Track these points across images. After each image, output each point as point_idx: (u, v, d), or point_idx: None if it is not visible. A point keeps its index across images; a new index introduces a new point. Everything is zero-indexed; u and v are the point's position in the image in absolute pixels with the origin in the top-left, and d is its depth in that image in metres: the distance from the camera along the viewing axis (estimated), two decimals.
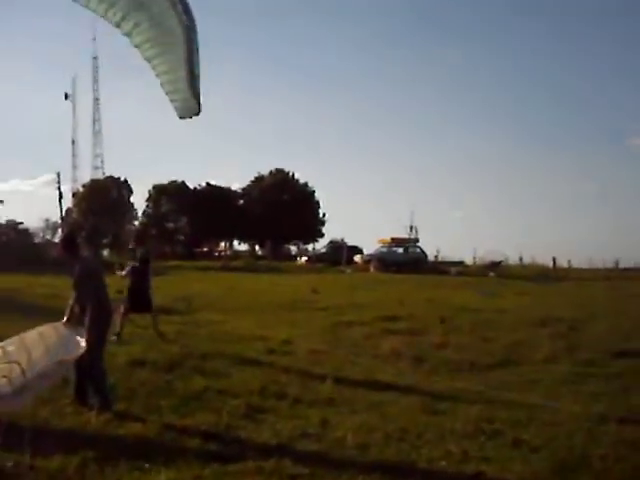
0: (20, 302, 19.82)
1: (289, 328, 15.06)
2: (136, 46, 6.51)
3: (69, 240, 8.65)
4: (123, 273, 14.01)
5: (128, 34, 6.50)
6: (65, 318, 8.12)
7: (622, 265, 53.82)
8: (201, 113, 6.61)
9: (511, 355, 12.89)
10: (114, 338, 12.35)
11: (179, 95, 6.45)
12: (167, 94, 6.59)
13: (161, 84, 6.58)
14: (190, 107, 6.42)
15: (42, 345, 7.48)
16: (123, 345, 12.13)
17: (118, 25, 6.47)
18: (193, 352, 11.66)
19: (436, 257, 53.05)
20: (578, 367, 11.85)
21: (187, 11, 6.29)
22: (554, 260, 47.79)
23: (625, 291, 28.69)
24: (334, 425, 7.49)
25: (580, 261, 53.89)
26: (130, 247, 16.11)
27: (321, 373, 10.58)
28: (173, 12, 6.24)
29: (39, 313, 16.94)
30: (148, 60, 6.57)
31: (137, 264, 14.03)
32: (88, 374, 7.90)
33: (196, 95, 6.37)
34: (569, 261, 52.86)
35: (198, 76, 6.34)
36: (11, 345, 7.49)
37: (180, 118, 6.58)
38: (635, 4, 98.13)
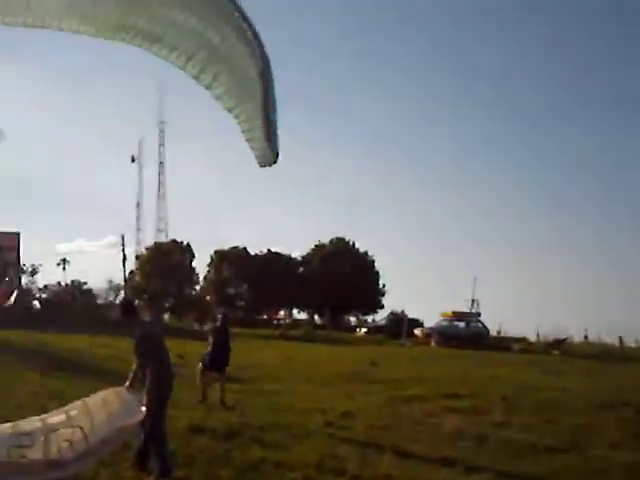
0: (82, 363, 20.20)
1: (347, 400, 14.94)
2: (216, 98, 6.62)
3: (127, 304, 8.91)
4: (205, 328, 14.80)
5: (208, 86, 6.62)
6: (128, 382, 8.22)
7: None
8: (278, 161, 6.60)
9: (576, 439, 12.47)
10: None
11: (257, 144, 6.48)
12: (247, 142, 6.64)
13: (242, 132, 6.64)
14: (267, 156, 6.47)
15: (105, 411, 7.60)
16: (184, 410, 12.20)
17: (197, 77, 6.60)
18: (252, 422, 11.67)
19: (498, 332, 52.20)
20: None
21: (264, 57, 6.35)
22: (621, 339, 46.52)
23: None
24: None
25: None
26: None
27: (380, 448, 10.44)
28: (252, 60, 6.32)
29: (99, 374, 17.29)
30: (229, 110, 6.65)
31: (218, 324, 14.57)
32: (149, 438, 7.95)
33: (272, 144, 6.40)
34: (637, 340, 51.45)
35: (274, 123, 6.37)
36: (74, 410, 7.64)
37: (260, 166, 6.62)
38: None
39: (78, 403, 7.79)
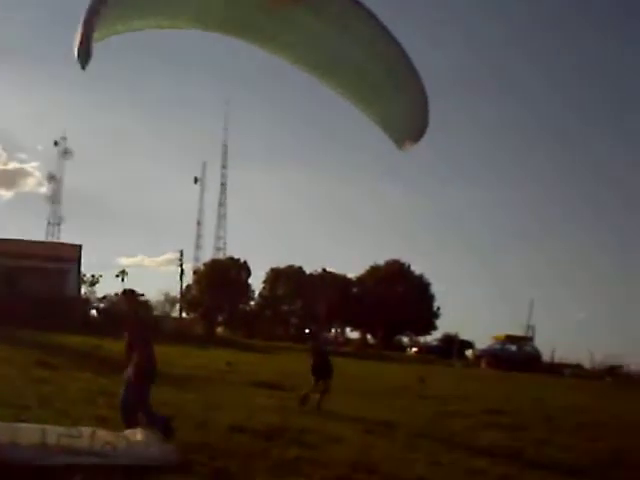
0: None
1: (390, 412, 15.08)
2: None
3: (130, 291, 10.05)
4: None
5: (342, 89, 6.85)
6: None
7: None
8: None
9: (616, 459, 12.38)
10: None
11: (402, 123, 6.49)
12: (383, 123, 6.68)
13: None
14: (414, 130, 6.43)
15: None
16: (227, 411, 12.59)
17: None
18: (292, 426, 11.94)
19: (552, 358, 51.56)
20: None
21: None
22: None
23: None
24: None
25: None
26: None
27: (415, 454, 10.62)
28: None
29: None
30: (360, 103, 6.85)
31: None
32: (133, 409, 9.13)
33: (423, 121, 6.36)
34: None
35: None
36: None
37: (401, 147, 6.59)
38: None
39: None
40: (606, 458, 12.18)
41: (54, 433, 7.86)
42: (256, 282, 78.80)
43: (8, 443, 7.39)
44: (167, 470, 7.56)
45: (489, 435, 13.30)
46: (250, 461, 8.78)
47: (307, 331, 16.77)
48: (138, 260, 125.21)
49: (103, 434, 8.17)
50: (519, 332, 52.65)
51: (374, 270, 76.44)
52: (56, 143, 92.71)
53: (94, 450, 7.75)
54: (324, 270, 75.53)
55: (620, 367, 46.91)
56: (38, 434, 7.73)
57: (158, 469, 7.57)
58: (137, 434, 8.36)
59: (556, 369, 43.42)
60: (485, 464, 10.43)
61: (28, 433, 7.77)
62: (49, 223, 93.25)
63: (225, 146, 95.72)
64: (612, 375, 41.86)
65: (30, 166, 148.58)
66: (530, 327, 54.62)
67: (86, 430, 8.22)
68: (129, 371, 9.21)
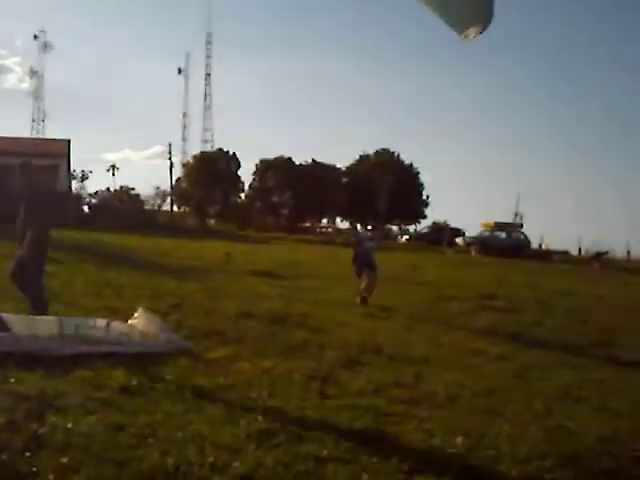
0: (132, 258, 21.15)
1: (388, 298, 15.51)
2: None
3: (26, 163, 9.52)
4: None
5: None
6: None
7: None
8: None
9: (607, 338, 12.87)
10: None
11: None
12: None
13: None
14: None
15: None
16: (233, 300, 12.97)
17: None
18: (294, 311, 12.33)
19: (540, 245, 52.38)
20: None
21: None
22: None
23: None
24: (427, 379, 7.96)
25: None
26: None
27: (417, 338, 11.05)
28: None
29: (148, 268, 18.21)
30: None
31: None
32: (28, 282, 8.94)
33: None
34: None
35: None
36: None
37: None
38: None
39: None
40: (595, 338, 12.66)
41: (71, 324, 8.14)
42: (245, 174, 78.75)
43: (28, 335, 7.66)
44: (180, 356, 7.85)
45: (485, 318, 13.74)
46: (260, 344, 9.15)
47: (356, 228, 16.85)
48: (124, 155, 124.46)
49: (117, 325, 8.47)
50: (507, 220, 53.30)
51: (363, 160, 76.30)
52: (35, 37, 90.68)
53: (111, 339, 8.05)
54: (313, 160, 75.32)
55: (606, 253, 47.82)
56: (56, 325, 8.00)
57: (172, 356, 7.86)
58: (150, 324, 8.63)
59: (545, 256, 44.19)
60: (484, 345, 10.86)
61: (46, 324, 8.03)
62: (33, 120, 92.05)
63: (209, 35, 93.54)
64: (599, 261, 42.68)
65: (10, 62, 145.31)
66: (519, 214, 55.21)
67: (101, 321, 8.51)
68: (24, 250, 8.87)
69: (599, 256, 45.62)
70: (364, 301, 14.63)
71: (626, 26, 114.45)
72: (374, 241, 16.18)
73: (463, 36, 5.51)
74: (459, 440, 5.60)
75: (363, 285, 14.96)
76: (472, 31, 5.51)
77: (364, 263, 15.23)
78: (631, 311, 16.71)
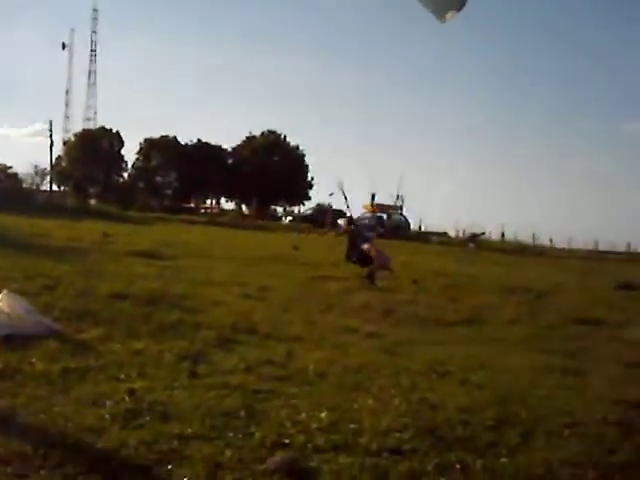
0: (8, 238, 20.40)
1: (267, 278, 15.61)
2: None
3: None
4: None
5: None
6: None
7: (601, 247, 55.33)
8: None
9: (476, 315, 13.44)
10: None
11: None
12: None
13: None
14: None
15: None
16: (107, 281, 12.73)
17: None
18: (171, 291, 12.26)
19: (419, 227, 53.76)
20: (538, 329, 12.43)
21: None
22: (534, 236, 48.83)
23: (597, 270, 29.50)
24: (298, 357, 8.09)
25: (562, 241, 55.39)
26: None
27: (292, 315, 11.21)
28: None
29: (25, 248, 17.63)
30: None
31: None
32: None
33: None
34: (551, 240, 54.20)
35: None
36: None
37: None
38: None
39: None
40: (464, 315, 13.19)
41: None
42: (129, 154, 77.02)
43: None
44: (49, 339, 7.71)
45: (361, 297, 14.05)
46: (133, 325, 9.05)
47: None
48: (3, 131, 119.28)
49: None
50: (389, 202, 54.31)
51: (249, 140, 76.08)
52: None
53: None
54: (199, 140, 74.52)
55: (482, 234, 49.60)
56: None
57: (41, 338, 7.70)
58: (16, 306, 8.39)
59: (423, 237, 45.40)
60: (357, 323, 11.13)
61: None
62: None
63: (95, 11, 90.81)
64: (474, 242, 44.20)
65: None
66: (400, 197, 56.32)
67: None
68: None
69: (474, 237, 47.26)
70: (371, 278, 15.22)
71: None
72: (374, 231, 16.22)
73: (442, 20, 5.60)
74: (323, 415, 5.75)
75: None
76: (450, 14, 5.61)
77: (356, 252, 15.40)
78: (499, 290, 17.43)
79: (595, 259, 44.09)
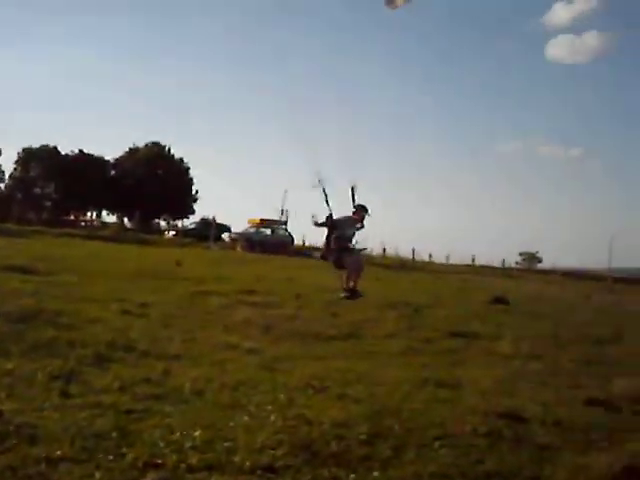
0: None
1: (148, 294, 15.37)
2: None
3: None
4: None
5: None
6: None
7: (478, 262, 57.64)
8: None
9: (355, 330, 13.73)
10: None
11: None
12: None
13: None
14: None
15: None
16: None
17: None
18: (47, 308, 11.88)
19: (303, 242, 54.14)
20: (414, 343, 12.80)
21: None
22: (413, 252, 50.19)
23: (472, 284, 30.59)
24: (175, 374, 8.05)
25: (441, 256, 57.46)
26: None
27: (172, 334, 11.08)
28: None
29: None
30: None
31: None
32: None
33: None
34: (430, 255, 55.97)
35: None
36: None
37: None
38: None
39: None
40: (344, 330, 13.43)
41: None
42: (6, 163, 74.23)
43: None
44: None
45: (242, 312, 14.04)
46: (3, 344, 8.73)
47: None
48: None
49: None
50: (274, 217, 54.50)
51: (133, 152, 74.73)
52: None
53: None
54: (80, 151, 72.55)
55: (363, 250, 50.34)
56: None
57: None
58: None
59: (307, 252, 45.72)
60: (237, 339, 11.13)
61: None
62: None
63: None
64: None
65: None
66: (284, 211, 56.57)
67: None
68: None
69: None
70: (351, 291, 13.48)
71: None
72: (354, 227, 15.23)
73: (393, 7, 5.59)
74: (197, 434, 5.74)
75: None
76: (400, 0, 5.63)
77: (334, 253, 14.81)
78: (379, 305, 17.77)
79: (471, 273, 45.80)
